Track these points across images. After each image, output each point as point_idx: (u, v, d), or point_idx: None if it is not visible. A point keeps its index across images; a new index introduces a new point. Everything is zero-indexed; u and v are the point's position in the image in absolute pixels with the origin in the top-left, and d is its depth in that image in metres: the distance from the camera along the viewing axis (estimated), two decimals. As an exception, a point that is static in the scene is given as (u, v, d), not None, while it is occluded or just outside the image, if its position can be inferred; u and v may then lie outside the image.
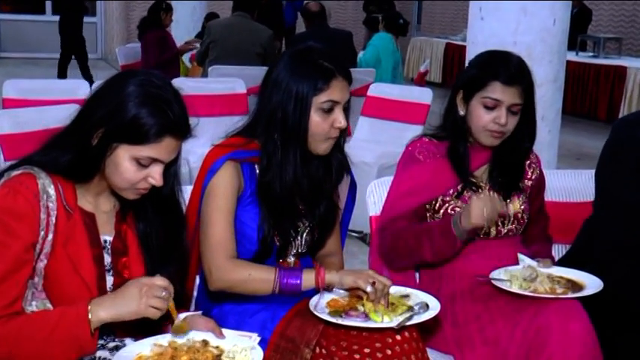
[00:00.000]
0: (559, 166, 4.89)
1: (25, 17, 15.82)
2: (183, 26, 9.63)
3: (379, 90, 5.89)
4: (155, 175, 1.85)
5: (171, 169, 1.95)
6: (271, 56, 6.77)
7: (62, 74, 11.14)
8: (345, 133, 2.29)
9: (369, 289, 2.05)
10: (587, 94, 10.83)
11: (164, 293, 1.79)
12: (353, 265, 4.61)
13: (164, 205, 2.00)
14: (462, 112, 2.49)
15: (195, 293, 2.40)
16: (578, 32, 11.53)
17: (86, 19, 14.37)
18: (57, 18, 11.73)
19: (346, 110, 2.22)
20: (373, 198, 2.72)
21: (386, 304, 2.07)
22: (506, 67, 2.40)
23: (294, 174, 2.20)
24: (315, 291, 2.15)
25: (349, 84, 2.22)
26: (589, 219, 2.62)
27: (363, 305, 2.06)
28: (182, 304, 2.07)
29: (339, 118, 2.18)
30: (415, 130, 5.50)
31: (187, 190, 2.25)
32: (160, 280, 1.81)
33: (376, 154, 5.29)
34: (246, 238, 2.23)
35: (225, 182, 2.19)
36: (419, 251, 2.41)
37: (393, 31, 7.35)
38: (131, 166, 1.83)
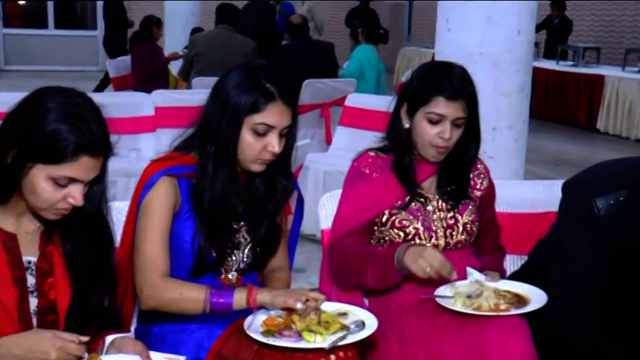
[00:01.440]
0: (535, 172, 4.77)
1: (30, 32, 15.65)
2: (176, 39, 9.51)
3: (356, 100, 5.77)
4: (75, 195, 1.72)
5: (95, 188, 1.81)
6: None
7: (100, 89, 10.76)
8: (289, 157, 2.18)
9: (298, 305, 1.92)
10: (568, 101, 10.74)
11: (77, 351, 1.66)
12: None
13: (91, 224, 1.86)
14: (406, 125, 2.37)
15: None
16: (559, 42, 11.46)
17: (87, 32, 14.38)
18: (60, 32, 11.53)
19: (288, 135, 2.10)
20: (325, 211, 2.58)
21: (317, 319, 1.93)
22: (449, 82, 2.27)
23: (223, 189, 2.08)
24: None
25: (292, 110, 2.08)
26: (542, 241, 2.48)
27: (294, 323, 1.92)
28: (112, 325, 1.93)
29: (272, 143, 2.05)
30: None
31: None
32: (73, 344, 1.67)
33: (352, 164, 5.16)
34: (183, 253, 2.11)
35: (160, 198, 2.06)
36: (364, 277, 2.28)
37: (374, 41, 7.23)
38: (48, 186, 1.70)
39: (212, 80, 6.03)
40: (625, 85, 10.01)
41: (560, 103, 10.66)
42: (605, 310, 2.14)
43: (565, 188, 2.25)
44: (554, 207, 2.60)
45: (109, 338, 1.81)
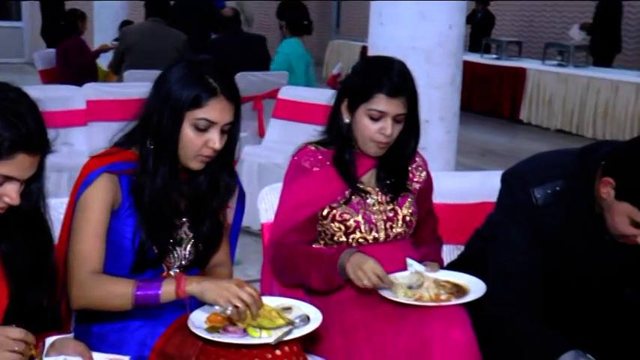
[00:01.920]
0: (464, 162, 4.82)
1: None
2: (106, 33, 9.28)
3: (290, 93, 5.74)
4: (10, 194, 1.63)
5: (32, 186, 1.72)
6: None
7: None
8: (232, 153, 2.12)
9: (229, 311, 1.86)
10: (492, 93, 10.90)
11: (19, 347, 1.56)
12: (260, 265, 4.45)
13: (29, 223, 1.77)
14: (346, 120, 2.34)
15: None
16: (483, 36, 11.62)
17: (12, 23, 13.83)
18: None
19: (231, 132, 2.04)
20: (264, 205, 2.54)
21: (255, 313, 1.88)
22: (390, 78, 2.25)
23: (164, 184, 2.01)
24: (196, 304, 1.96)
25: (234, 106, 2.02)
26: (480, 231, 2.49)
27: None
28: (52, 326, 1.85)
29: (213, 139, 1.99)
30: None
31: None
32: (15, 333, 1.58)
33: (287, 156, 5.04)
34: (125, 250, 2.03)
35: (98, 195, 1.98)
36: (307, 278, 2.26)
37: (299, 33, 7.14)
38: None
39: (144, 73, 5.97)
40: (545, 78, 10.22)
41: (484, 95, 10.82)
42: (542, 298, 2.16)
43: (504, 179, 2.27)
44: (489, 197, 2.63)
45: (49, 340, 1.73)
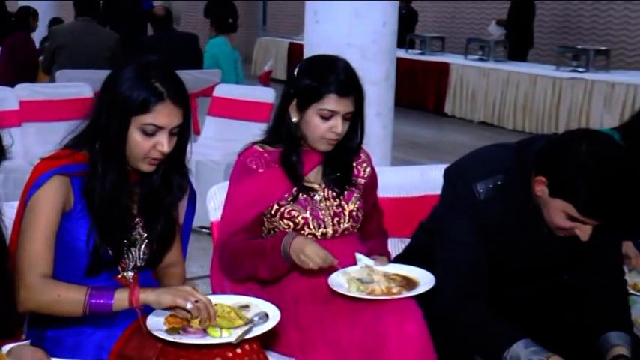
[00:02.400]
0: (394, 156, 4.85)
1: None
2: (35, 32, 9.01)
3: (224, 90, 5.71)
4: None
5: None
6: (120, 60, 6.40)
7: None
8: (183, 154, 2.09)
9: (189, 306, 1.82)
10: (417, 87, 11.01)
11: None
12: (206, 261, 4.38)
13: None
14: (295, 119, 2.32)
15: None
16: (407, 32, 11.72)
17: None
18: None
19: (181, 133, 2.00)
20: (213, 204, 2.51)
21: (213, 317, 1.85)
22: (339, 79, 2.24)
23: (113, 188, 1.96)
24: (149, 310, 1.91)
25: (182, 109, 1.98)
26: (424, 224, 2.51)
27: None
28: (8, 334, 1.79)
29: (162, 142, 1.94)
30: (260, 128, 5.38)
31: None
32: None
33: (223, 153, 5.10)
34: (79, 252, 1.97)
35: (49, 198, 1.91)
36: (254, 269, 2.24)
37: (224, 31, 7.05)
38: None
39: (76, 73, 5.82)
40: (468, 72, 10.40)
41: (410, 90, 10.93)
42: (487, 288, 2.20)
43: (447, 174, 2.28)
44: (430, 190, 2.66)
45: (6, 348, 1.68)
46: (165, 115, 1.93)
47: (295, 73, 2.34)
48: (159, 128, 1.93)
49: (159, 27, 6.89)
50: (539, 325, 2.21)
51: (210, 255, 3.65)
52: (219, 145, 5.28)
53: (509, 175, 2.16)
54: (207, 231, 4.72)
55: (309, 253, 2.12)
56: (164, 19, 6.81)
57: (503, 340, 2.04)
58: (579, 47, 9.96)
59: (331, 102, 2.24)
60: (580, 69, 9.27)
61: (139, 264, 2.09)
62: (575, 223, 2.01)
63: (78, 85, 5.33)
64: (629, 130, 2.70)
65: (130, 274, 2.08)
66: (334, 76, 2.24)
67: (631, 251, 2.55)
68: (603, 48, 9.84)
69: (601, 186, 1.91)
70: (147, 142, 1.93)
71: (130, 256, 2.06)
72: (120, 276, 2.06)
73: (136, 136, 1.93)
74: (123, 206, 2.02)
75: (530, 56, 11.58)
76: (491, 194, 2.15)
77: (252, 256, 2.23)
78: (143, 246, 2.09)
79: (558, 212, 2.02)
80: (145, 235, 2.09)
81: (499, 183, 2.16)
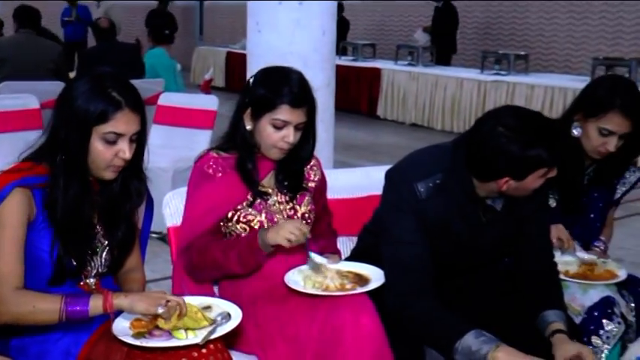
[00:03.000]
0: (335, 157, 4.89)
1: None
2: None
3: (169, 99, 5.65)
4: None
5: None
6: (64, 71, 6.28)
7: None
8: (141, 160, 2.07)
9: (160, 310, 1.82)
10: (351, 92, 11.08)
11: None
12: (156, 265, 4.35)
13: None
14: (249, 127, 2.32)
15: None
16: (340, 39, 11.79)
17: None
18: None
19: (139, 139, 1.99)
20: (169, 210, 2.49)
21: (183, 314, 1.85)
22: (292, 90, 2.25)
23: (76, 199, 1.93)
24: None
25: (140, 116, 1.97)
26: (368, 226, 2.55)
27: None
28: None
29: (123, 149, 1.93)
30: (205, 135, 5.40)
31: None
32: None
33: (170, 159, 5.05)
34: (42, 263, 1.93)
35: (14, 211, 1.87)
36: (227, 265, 2.23)
37: (162, 42, 6.96)
38: None
39: (20, 85, 5.66)
40: (398, 77, 10.52)
41: (344, 94, 10.94)
42: (434, 282, 2.24)
43: (388, 176, 2.31)
44: (374, 190, 2.69)
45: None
46: (124, 122, 1.91)
47: (250, 83, 2.33)
48: (119, 136, 1.91)
49: (102, 38, 6.76)
50: (482, 311, 2.26)
51: (162, 258, 3.64)
52: (165, 153, 5.21)
53: (447, 173, 2.21)
54: (157, 235, 4.69)
55: (286, 225, 2.16)
56: (108, 31, 6.70)
57: (454, 332, 2.08)
58: (501, 52, 10.20)
59: (284, 113, 2.24)
60: (502, 72, 9.50)
61: (100, 271, 2.06)
62: (549, 170, 2.10)
63: (23, 97, 5.20)
64: None
65: (92, 280, 2.05)
66: (288, 87, 2.25)
67: (563, 235, 2.62)
68: (522, 53, 10.10)
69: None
70: (109, 150, 1.91)
71: (92, 263, 2.03)
72: (82, 283, 2.02)
73: (97, 146, 1.90)
74: (86, 217, 1.98)
75: (455, 61, 11.79)
76: (432, 192, 2.20)
77: (224, 251, 2.23)
78: (104, 253, 2.06)
79: (535, 182, 2.11)
80: (106, 242, 2.06)
81: (438, 181, 2.21)
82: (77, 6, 12.66)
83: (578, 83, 7.50)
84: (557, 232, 2.61)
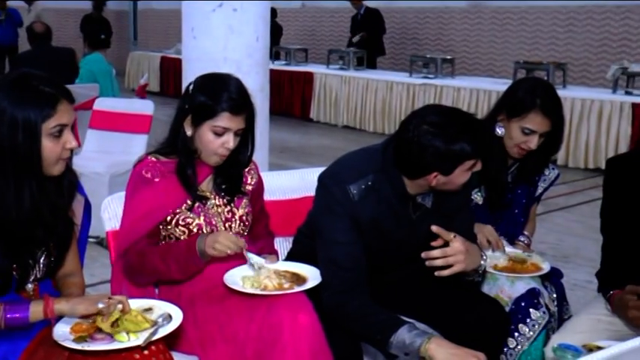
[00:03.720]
0: (268, 160, 4.90)
1: None
2: None
3: (104, 104, 5.55)
4: None
5: None
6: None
7: None
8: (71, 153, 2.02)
9: (100, 305, 1.81)
10: (284, 95, 11.09)
11: None
12: (95, 269, 4.27)
13: None
14: (189, 133, 2.30)
15: None
16: (273, 44, 11.77)
17: None
18: None
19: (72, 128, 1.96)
20: (108, 214, 2.45)
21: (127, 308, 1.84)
22: (231, 97, 2.25)
23: (32, 202, 1.89)
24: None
25: (72, 104, 1.95)
26: (302, 229, 2.58)
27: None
28: None
29: (69, 139, 1.91)
30: (141, 139, 5.33)
31: None
32: None
33: (107, 164, 4.98)
34: None
35: None
36: (167, 272, 2.22)
37: (97, 48, 6.84)
38: None
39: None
40: (330, 80, 10.57)
41: (278, 98, 10.99)
42: (369, 280, 2.27)
43: (321, 180, 2.33)
44: (309, 192, 2.71)
45: None
46: (65, 112, 1.91)
47: (190, 89, 2.32)
48: (64, 126, 1.90)
49: (36, 42, 6.60)
50: (416, 304, 2.30)
51: (100, 263, 3.58)
52: (101, 157, 5.14)
53: (378, 174, 2.25)
54: (95, 240, 4.61)
55: (222, 240, 2.15)
56: (43, 36, 6.54)
57: (388, 327, 2.11)
58: (428, 56, 10.35)
59: (224, 120, 2.24)
60: (430, 76, 9.66)
61: (38, 276, 2.01)
62: (474, 162, 2.16)
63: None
64: None
65: (31, 286, 2.01)
66: (227, 94, 2.24)
67: (492, 237, 2.69)
68: (449, 57, 10.28)
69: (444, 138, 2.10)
70: (57, 144, 1.89)
71: (32, 271, 1.99)
72: (22, 290, 1.97)
73: (47, 143, 1.88)
74: (43, 221, 1.94)
75: (385, 65, 11.93)
76: (364, 193, 2.23)
77: (164, 258, 2.21)
78: (42, 258, 2.01)
79: (463, 176, 2.16)
80: (43, 247, 2.01)
81: (369, 183, 2.24)
82: (7, 8, 12.27)
83: (501, 86, 7.70)
84: (487, 234, 2.68)
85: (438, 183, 2.18)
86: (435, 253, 2.17)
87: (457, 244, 2.18)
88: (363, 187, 2.23)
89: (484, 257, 2.33)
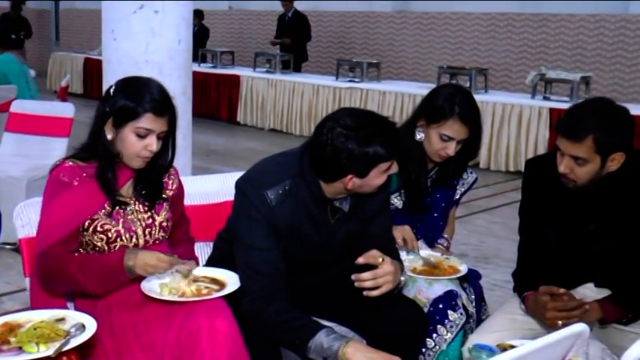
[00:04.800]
0: (193, 164, 4.85)
1: None
2: None
3: (22, 106, 5.36)
4: None
5: None
6: None
7: None
8: None
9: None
10: (211, 98, 11.01)
11: None
12: (10, 277, 4.15)
13: None
14: (110, 137, 2.26)
15: None
16: (199, 47, 11.70)
17: None
18: None
19: None
20: (21, 220, 2.37)
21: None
22: (154, 98, 2.22)
23: None
24: None
25: None
26: (222, 234, 2.56)
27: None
28: None
29: None
30: (61, 143, 5.19)
31: None
32: None
33: (24, 168, 4.83)
34: None
35: None
36: (86, 285, 2.17)
37: (10, 48, 6.61)
38: None
39: None
40: (257, 84, 10.55)
41: (205, 101, 10.92)
42: (287, 284, 2.27)
43: (238, 186, 2.32)
44: (228, 197, 2.69)
45: None
46: None
47: (111, 92, 2.27)
48: None
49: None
50: (336, 306, 2.31)
51: (16, 270, 3.46)
52: (18, 161, 4.98)
53: (295, 179, 2.26)
54: (11, 247, 4.47)
55: (153, 263, 2.13)
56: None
57: (307, 332, 2.12)
58: (354, 60, 10.45)
59: (147, 121, 2.21)
60: (356, 79, 9.75)
61: None
62: (389, 165, 2.19)
63: None
64: (401, 133, 2.89)
65: None
66: (150, 96, 2.22)
67: (407, 235, 2.73)
68: (374, 61, 10.40)
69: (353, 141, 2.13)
70: None
71: None
72: None
73: None
74: None
75: (312, 68, 11.99)
76: (281, 198, 2.23)
77: (83, 270, 2.16)
78: None
79: (379, 178, 2.19)
80: None
81: (287, 187, 2.25)
82: None
83: (425, 90, 7.66)
84: (403, 232, 2.72)
85: (354, 186, 2.20)
86: (365, 275, 2.19)
87: (387, 265, 2.21)
88: (281, 192, 2.24)
89: (404, 272, 2.37)
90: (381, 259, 2.21)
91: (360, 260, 2.21)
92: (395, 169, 2.22)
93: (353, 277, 2.20)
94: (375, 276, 2.19)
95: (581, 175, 2.31)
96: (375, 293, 2.20)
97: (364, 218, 2.37)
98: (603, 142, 2.24)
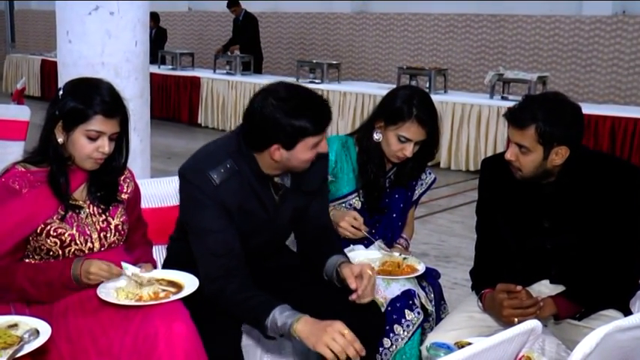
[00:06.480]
0: (153, 166, 4.80)
1: None
2: None
3: (-23, 109, 5.26)
4: None
5: None
6: None
7: None
8: None
9: None
10: (171, 100, 10.94)
11: None
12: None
13: None
14: (61, 140, 2.23)
15: None
16: (158, 49, 11.61)
17: None
18: None
19: None
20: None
21: None
22: (104, 100, 2.20)
23: None
24: None
25: None
26: (173, 236, 2.59)
27: None
28: None
29: None
30: (17, 146, 5.08)
31: None
32: None
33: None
34: None
35: None
36: (36, 295, 2.17)
37: None
38: None
39: None
40: (217, 85, 10.52)
41: (165, 103, 10.85)
42: (244, 265, 2.29)
43: (181, 174, 2.35)
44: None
45: None
46: None
47: (60, 95, 2.24)
48: None
49: None
50: (293, 301, 2.32)
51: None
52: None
53: (235, 156, 2.29)
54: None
55: (95, 271, 2.13)
56: None
57: (263, 310, 2.14)
58: (315, 61, 10.47)
59: (98, 123, 2.19)
60: (317, 80, 9.78)
61: None
62: (318, 141, 2.23)
63: None
64: (360, 134, 2.92)
65: None
66: (99, 97, 2.20)
67: (356, 221, 2.76)
68: (335, 62, 10.43)
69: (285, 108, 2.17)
70: None
71: None
72: None
73: None
74: None
75: (272, 69, 11.97)
76: (225, 177, 2.26)
77: (35, 281, 2.15)
78: None
79: (306, 153, 2.23)
80: None
81: (228, 166, 2.28)
82: None
83: (385, 90, 7.74)
84: (352, 219, 2.74)
85: (282, 158, 2.24)
86: (360, 291, 2.29)
87: (367, 273, 2.30)
88: (223, 170, 2.27)
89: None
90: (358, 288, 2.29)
91: (353, 287, 2.29)
92: (325, 148, 2.27)
93: (352, 298, 2.29)
94: (365, 288, 2.29)
95: (525, 164, 2.36)
96: (365, 300, 2.30)
97: (307, 192, 2.44)
98: (546, 132, 2.29)
